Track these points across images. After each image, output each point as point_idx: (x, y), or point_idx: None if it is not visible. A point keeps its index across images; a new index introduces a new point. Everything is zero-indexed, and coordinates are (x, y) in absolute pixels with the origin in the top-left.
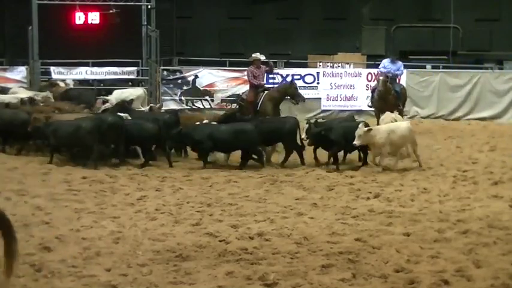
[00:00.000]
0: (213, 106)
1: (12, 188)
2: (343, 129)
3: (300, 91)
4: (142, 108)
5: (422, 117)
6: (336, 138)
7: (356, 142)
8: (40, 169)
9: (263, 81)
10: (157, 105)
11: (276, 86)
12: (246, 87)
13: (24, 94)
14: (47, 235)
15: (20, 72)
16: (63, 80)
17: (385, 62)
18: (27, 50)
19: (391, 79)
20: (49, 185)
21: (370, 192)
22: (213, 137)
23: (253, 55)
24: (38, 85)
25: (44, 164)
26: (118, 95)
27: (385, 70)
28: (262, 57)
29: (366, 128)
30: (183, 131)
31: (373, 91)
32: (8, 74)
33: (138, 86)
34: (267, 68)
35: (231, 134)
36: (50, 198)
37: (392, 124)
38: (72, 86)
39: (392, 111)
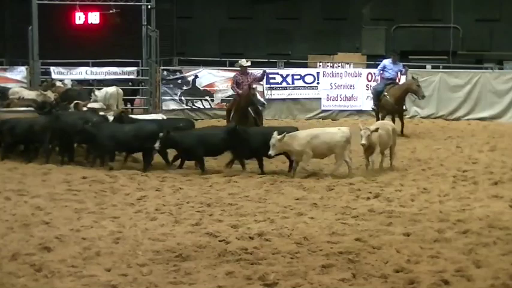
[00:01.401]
0: (213, 106)
1: (12, 188)
2: (197, 137)
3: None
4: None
5: (422, 117)
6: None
7: (271, 152)
8: (40, 169)
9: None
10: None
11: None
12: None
13: (26, 94)
14: (47, 235)
15: (20, 72)
16: (61, 80)
17: (386, 62)
18: (27, 50)
19: (392, 82)
20: (49, 185)
21: (370, 192)
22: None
23: (239, 61)
24: (37, 85)
25: (44, 164)
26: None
27: (387, 72)
28: (248, 64)
29: (279, 137)
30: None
31: (377, 93)
32: (8, 74)
33: (139, 85)
34: (258, 75)
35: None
36: (50, 198)
37: (316, 130)
38: (70, 86)
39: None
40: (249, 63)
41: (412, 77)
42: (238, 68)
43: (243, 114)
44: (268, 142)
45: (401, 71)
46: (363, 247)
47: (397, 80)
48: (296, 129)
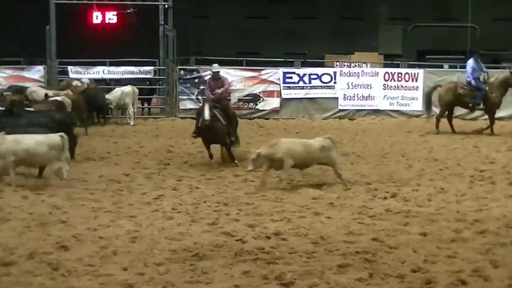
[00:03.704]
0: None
1: (31, 187)
2: None
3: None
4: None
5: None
6: None
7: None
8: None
9: (225, 93)
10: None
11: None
12: (263, 86)
13: (43, 93)
14: (64, 234)
15: (37, 72)
16: (79, 79)
17: (471, 62)
18: (45, 49)
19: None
20: (66, 184)
21: (387, 192)
22: None
23: (212, 66)
24: (55, 84)
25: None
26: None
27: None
28: (218, 69)
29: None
30: None
31: (482, 92)
32: (26, 73)
33: (156, 84)
34: (226, 85)
35: None
36: (67, 197)
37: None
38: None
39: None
40: (219, 69)
41: (510, 72)
42: (255, 67)
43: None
44: None
45: (482, 70)
46: (379, 247)
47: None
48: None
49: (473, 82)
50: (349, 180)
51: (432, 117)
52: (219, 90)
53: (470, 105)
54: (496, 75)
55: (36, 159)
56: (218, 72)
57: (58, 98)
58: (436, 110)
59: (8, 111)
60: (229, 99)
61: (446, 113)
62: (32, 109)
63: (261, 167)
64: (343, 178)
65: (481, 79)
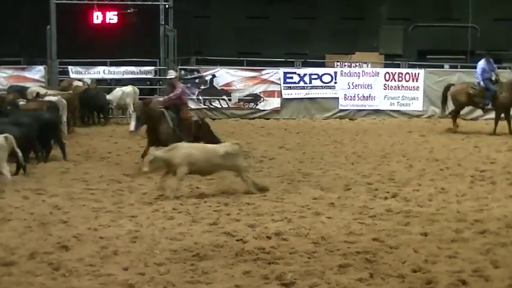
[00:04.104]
0: (230, 106)
1: (31, 187)
2: None
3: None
4: None
5: (440, 117)
6: None
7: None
8: (58, 168)
9: (173, 98)
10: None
11: None
12: (263, 86)
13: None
14: (64, 234)
15: (38, 72)
16: (80, 80)
17: (482, 63)
18: (46, 49)
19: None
20: (67, 184)
21: (388, 192)
22: None
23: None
24: (56, 85)
25: (62, 162)
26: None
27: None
28: (172, 76)
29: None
30: None
31: (492, 93)
32: (27, 74)
33: (157, 84)
34: (177, 93)
35: None
36: (68, 197)
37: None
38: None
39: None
40: (173, 75)
41: None
42: (255, 67)
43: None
44: None
45: (494, 71)
46: (380, 247)
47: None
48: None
49: (482, 83)
50: (260, 187)
51: (446, 115)
52: (165, 97)
53: (481, 105)
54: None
55: None
56: (171, 78)
57: (52, 98)
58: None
59: None
60: (185, 106)
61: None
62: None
63: (158, 170)
64: (249, 185)
65: (493, 79)
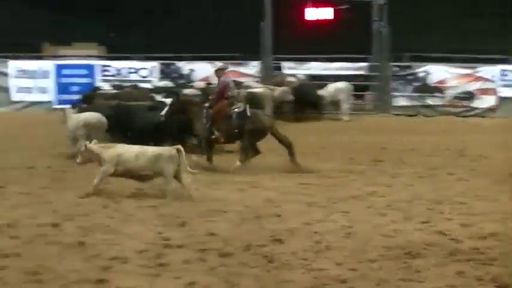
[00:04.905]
0: (444, 103)
1: (246, 180)
2: None
3: None
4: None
5: None
6: None
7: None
8: (268, 162)
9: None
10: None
11: None
12: (478, 84)
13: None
14: (278, 227)
15: (253, 67)
16: (293, 75)
17: None
18: (260, 45)
19: None
20: (280, 178)
21: None
22: None
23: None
24: (269, 80)
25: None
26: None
27: None
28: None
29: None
30: None
31: None
32: (242, 69)
33: (370, 81)
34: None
35: None
36: (281, 191)
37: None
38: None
39: None
40: (218, 67)
41: None
42: (471, 64)
43: None
44: None
45: None
46: None
47: None
48: None
49: None
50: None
51: None
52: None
53: None
54: None
55: None
56: (217, 71)
57: (256, 91)
58: None
59: None
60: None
61: None
62: None
63: (90, 162)
64: (168, 194)
65: None
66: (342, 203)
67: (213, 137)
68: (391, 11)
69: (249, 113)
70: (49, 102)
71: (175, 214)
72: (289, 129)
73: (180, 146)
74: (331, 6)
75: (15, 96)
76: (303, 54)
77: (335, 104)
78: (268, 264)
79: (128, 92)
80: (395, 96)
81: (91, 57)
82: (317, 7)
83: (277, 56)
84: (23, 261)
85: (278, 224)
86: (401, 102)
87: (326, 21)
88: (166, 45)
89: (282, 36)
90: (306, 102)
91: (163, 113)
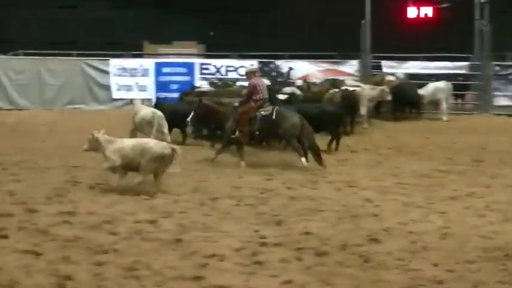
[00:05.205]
0: None
1: (343, 179)
2: None
3: None
4: None
5: None
6: None
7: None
8: (368, 161)
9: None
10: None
11: None
12: None
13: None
14: (375, 227)
15: (351, 66)
16: (392, 74)
17: None
18: (360, 44)
19: None
20: (378, 177)
21: None
22: None
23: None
24: (368, 79)
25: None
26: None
27: None
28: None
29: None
30: None
31: None
32: (341, 67)
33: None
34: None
35: None
36: (379, 190)
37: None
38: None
39: None
40: (248, 70)
41: None
42: None
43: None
44: None
45: None
46: None
47: None
48: None
49: None
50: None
51: None
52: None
53: None
54: None
55: None
56: (247, 73)
57: (351, 89)
58: None
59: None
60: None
61: None
62: None
63: (95, 150)
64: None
65: None
66: (439, 203)
67: (233, 136)
68: (494, 9)
69: (274, 116)
70: (149, 100)
71: (271, 213)
72: (388, 129)
73: (175, 146)
74: (432, 5)
75: (116, 94)
76: (402, 53)
77: (434, 103)
78: (364, 263)
79: (217, 90)
80: (497, 96)
81: (190, 55)
82: (418, 6)
83: (376, 54)
84: (121, 257)
85: (375, 223)
86: (503, 102)
87: (426, 20)
88: (264, 44)
89: (381, 35)
90: (405, 101)
91: (189, 119)
